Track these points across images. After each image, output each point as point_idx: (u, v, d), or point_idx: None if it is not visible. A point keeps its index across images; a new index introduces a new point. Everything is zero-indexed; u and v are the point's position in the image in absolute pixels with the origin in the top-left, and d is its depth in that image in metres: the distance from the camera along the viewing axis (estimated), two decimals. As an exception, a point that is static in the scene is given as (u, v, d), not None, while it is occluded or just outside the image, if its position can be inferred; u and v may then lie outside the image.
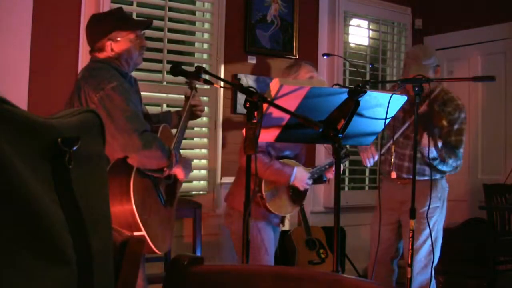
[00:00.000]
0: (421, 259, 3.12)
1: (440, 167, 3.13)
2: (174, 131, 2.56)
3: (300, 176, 2.94)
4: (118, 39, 2.37)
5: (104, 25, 2.39)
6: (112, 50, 2.36)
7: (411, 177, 3.07)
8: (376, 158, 3.11)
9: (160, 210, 2.36)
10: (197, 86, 2.60)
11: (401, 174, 3.24)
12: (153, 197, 2.32)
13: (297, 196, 3.04)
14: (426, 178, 3.15)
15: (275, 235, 3.09)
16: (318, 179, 3.13)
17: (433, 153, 3.03)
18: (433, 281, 3.21)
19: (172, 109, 2.90)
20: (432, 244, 3.06)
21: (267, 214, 2.97)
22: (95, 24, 2.42)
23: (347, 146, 3.25)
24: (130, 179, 2.18)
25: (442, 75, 5.10)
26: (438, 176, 3.19)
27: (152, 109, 2.84)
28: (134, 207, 2.14)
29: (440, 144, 3.05)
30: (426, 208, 2.95)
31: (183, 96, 3.73)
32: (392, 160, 3.21)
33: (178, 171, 2.42)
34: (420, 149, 3.05)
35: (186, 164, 2.48)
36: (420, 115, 2.84)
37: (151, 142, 2.21)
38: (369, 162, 3.12)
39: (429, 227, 2.97)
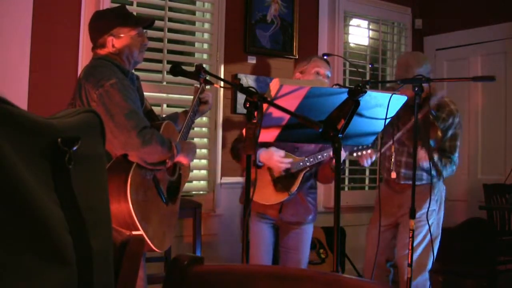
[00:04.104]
0: (416, 259, 3.12)
1: (436, 173, 3.14)
2: None
3: (268, 155, 2.81)
4: (121, 35, 2.37)
5: (106, 21, 2.40)
6: (113, 46, 2.37)
7: (408, 182, 3.10)
8: (374, 158, 3.05)
9: (161, 208, 2.35)
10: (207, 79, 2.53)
11: (398, 180, 3.24)
12: (153, 195, 2.32)
13: (283, 184, 2.92)
14: (424, 182, 3.18)
15: (276, 230, 3.01)
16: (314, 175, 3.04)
17: (428, 166, 3.02)
18: (428, 283, 3.22)
19: (179, 110, 2.89)
20: (427, 246, 3.09)
21: (258, 206, 2.87)
22: (97, 20, 2.42)
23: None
24: (128, 178, 2.17)
25: (442, 75, 5.11)
26: (435, 179, 3.19)
27: (152, 109, 2.85)
28: (131, 206, 2.14)
29: (435, 157, 3.04)
30: (423, 211, 2.97)
31: (183, 96, 3.77)
32: (392, 159, 3.22)
33: (181, 159, 2.42)
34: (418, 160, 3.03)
35: (189, 149, 2.47)
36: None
37: (150, 138, 2.21)
38: (367, 162, 3.07)
39: (429, 227, 2.98)
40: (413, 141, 2.76)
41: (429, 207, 2.93)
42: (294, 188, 2.92)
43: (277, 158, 2.84)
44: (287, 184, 2.92)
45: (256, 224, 2.93)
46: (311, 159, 2.90)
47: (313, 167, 2.97)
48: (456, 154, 3.16)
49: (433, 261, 3.23)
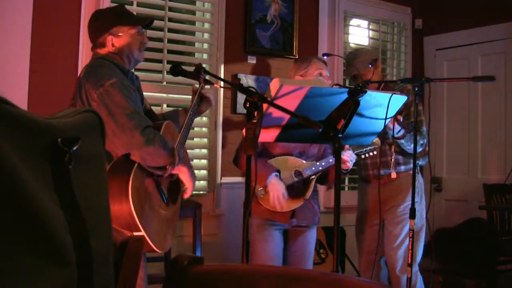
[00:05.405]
0: (403, 253, 3.15)
1: (408, 146, 3.13)
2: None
3: (275, 184, 2.82)
4: (120, 34, 2.37)
5: (105, 20, 2.39)
6: (113, 45, 2.36)
7: (387, 172, 3.23)
8: (353, 158, 2.94)
9: (162, 209, 2.35)
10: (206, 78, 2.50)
11: (376, 172, 3.24)
12: (154, 196, 2.31)
13: (296, 190, 2.91)
14: (402, 169, 3.23)
15: (285, 235, 2.99)
16: (321, 179, 3.02)
17: (397, 128, 3.02)
18: (419, 276, 3.23)
19: (180, 108, 2.89)
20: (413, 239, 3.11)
21: (268, 213, 2.88)
22: (97, 19, 2.42)
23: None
24: (130, 179, 2.17)
25: (442, 75, 5.11)
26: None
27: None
28: (132, 207, 2.13)
29: (401, 119, 3.07)
30: (406, 204, 3.00)
31: (183, 96, 3.77)
32: (392, 159, 3.23)
33: (182, 171, 2.39)
34: (386, 131, 3.05)
35: (189, 164, 2.47)
36: None
37: (153, 139, 2.20)
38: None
39: (426, 221, 2.99)
40: (414, 142, 2.76)
41: (429, 200, 2.93)
42: (308, 193, 2.93)
43: (281, 193, 2.82)
44: (300, 190, 2.92)
45: (267, 231, 2.91)
46: (323, 163, 2.89)
47: (324, 171, 2.95)
48: (425, 128, 3.25)
49: (422, 253, 3.25)
